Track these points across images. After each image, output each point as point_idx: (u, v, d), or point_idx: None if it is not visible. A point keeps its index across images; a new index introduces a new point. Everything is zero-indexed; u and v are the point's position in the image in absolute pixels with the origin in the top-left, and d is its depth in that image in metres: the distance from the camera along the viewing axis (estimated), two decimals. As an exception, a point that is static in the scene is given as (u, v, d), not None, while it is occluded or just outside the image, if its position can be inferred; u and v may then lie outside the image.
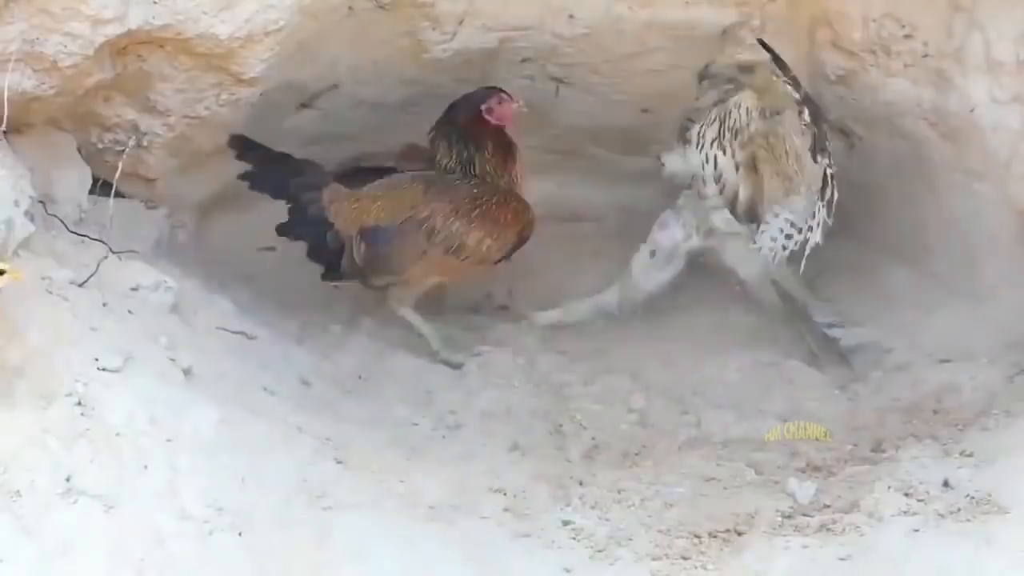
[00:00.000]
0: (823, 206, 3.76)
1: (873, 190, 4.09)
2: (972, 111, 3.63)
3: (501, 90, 4.01)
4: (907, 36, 3.68)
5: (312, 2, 3.53)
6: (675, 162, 4.14)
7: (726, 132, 4.00)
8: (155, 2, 3.34)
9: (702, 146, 4.04)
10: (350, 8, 3.64)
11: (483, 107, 4.00)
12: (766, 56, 3.74)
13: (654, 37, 3.92)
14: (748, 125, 3.95)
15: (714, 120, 4.03)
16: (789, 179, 3.86)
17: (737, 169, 4.00)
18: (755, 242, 3.97)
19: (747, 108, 3.95)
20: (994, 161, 3.66)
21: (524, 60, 4.03)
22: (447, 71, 3.98)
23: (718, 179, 4.03)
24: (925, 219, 3.99)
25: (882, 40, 3.70)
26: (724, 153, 4.00)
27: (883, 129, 3.89)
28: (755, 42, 3.77)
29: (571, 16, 3.87)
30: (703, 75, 3.97)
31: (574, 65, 4.06)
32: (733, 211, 4.04)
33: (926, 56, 3.68)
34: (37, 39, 3.26)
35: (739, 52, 3.88)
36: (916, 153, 3.85)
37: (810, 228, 3.81)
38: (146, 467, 2.82)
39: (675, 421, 3.74)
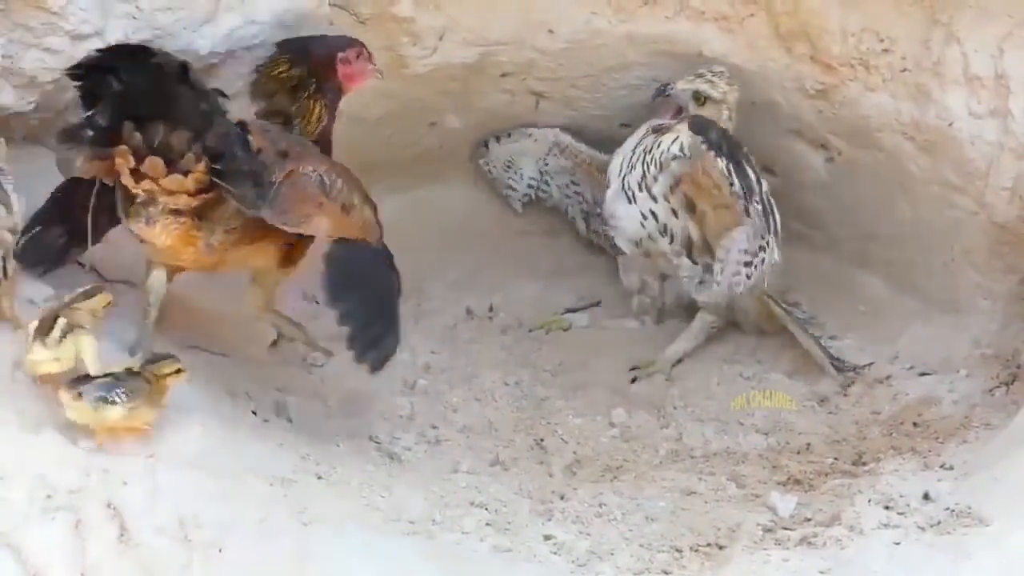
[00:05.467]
0: (773, 223, 3.80)
1: (852, 202, 4.10)
2: (950, 124, 3.65)
3: (363, 45, 3.55)
4: (886, 50, 3.69)
5: (293, 17, 3.53)
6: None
7: (647, 175, 3.96)
8: (134, 17, 3.34)
9: (632, 197, 3.99)
10: (331, 23, 3.64)
11: (340, 55, 3.51)
12: (722, 92, 3.82)
13: (633, 52, 3.94)
14: (669, 165, 3.92)
15: (635, 164, 3.99)
16: (730, 208, 3.82)
17: (676, 214, 3.96)
18: (717, 283, 3.93)
19: (681, 144, 3.89)
20: (972, 174, 3.67)
21: (504, 74, 4.04)
22: (427, 85, 3.98)
23: (664, 231, 3.99)
24: (904, 231, 4.00)
25: (861, 54, 3.71)
26: (657, 201, 3.96)
27: (862, 142, 3.90)
28: (712, 78, 3.82)
29: (551, 31, 3.88)
30: (660, 92, 3.93)
31: (554, 79, 4.07)
32: (690, 255, 3.99)
33: (905, 70, 3.70)
34: (16, 54, 3.26)
35: (697, 81, 3.86)
36: (894, 166, 3.87)
37: (763, 248, 3.82)
38: (125, 483, 2.81)
39: (656, 435, 3.74)
